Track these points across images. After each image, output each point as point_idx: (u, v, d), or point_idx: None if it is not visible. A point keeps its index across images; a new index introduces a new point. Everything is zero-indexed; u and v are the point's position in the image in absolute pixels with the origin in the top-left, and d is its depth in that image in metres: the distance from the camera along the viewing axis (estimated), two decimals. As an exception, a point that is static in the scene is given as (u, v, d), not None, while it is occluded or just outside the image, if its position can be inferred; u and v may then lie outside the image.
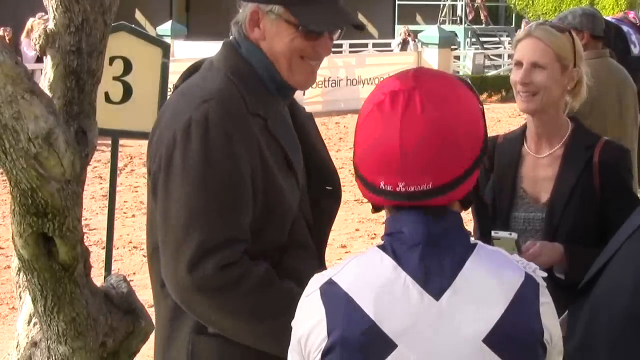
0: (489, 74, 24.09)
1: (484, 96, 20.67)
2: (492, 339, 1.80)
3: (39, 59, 16.35)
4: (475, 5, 29.00)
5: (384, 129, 1.83)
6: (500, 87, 21.41)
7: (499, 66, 25.58)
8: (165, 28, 24.05)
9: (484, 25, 29.28)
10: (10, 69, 3.01)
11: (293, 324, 1.90)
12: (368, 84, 20.82)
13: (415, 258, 1.83)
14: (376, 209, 1.94)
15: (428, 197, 1.84)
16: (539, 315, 1.86)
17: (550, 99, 3.16)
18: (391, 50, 25.32)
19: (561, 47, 3.14)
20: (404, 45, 24.30)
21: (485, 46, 27.91)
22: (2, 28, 17.27)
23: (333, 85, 20.83)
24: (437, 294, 1.81)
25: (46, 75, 3.87)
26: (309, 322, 1.84)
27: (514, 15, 33.13)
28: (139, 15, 29.75)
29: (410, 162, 1.82)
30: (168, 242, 2.38)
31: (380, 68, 21.51)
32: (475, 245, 1.88)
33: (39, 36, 3.86)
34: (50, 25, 3.87)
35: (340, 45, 27.24)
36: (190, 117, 2.38)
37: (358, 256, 1.90)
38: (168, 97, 6.56)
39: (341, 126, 17.98)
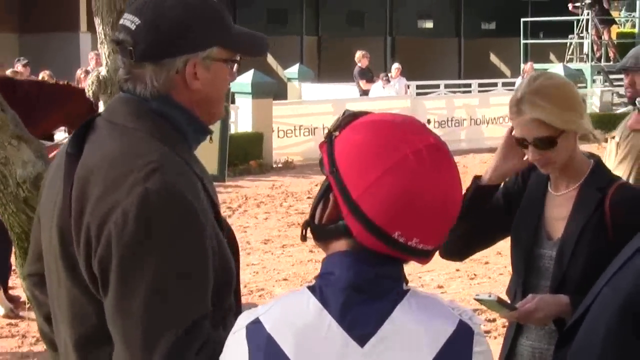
0: (618, 111, 23.54)
1: (613, 133, 20.12)
2: None
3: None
4: (603, 42, 28.35)
5: (424, 183, 1.77)
6: (629, 124, 20.87)
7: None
8: (292, 71, 24.46)
9: (612, 63, 28.63)
10: (-5, 116, 3.09)
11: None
12: (492, 123, 20.74)
13: (341, 301, 1.75)
14: (308, 238, 1.89)
15: (425, 256, 1.82)
16: None
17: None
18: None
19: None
20: (528, 84, 23.98)
21: (614, 84, 27.27)
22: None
23: (457, 125, 20.85)
24: (362, 340, 1.73)
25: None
26: None
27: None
28: (270, 60, 30.34)
29: (441, 224, 1.80)
30: (132, 338, 2.07)
31: (503, 108, 21.37)
32: (407, 291, 1.80)
33: (92, 83, 4.02)
34: (103, 72, 4.06)
35: (469, 85, 27.09)
36: (146, 189, 2.06)
37: (287, 295, 1.83)
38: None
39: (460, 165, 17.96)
